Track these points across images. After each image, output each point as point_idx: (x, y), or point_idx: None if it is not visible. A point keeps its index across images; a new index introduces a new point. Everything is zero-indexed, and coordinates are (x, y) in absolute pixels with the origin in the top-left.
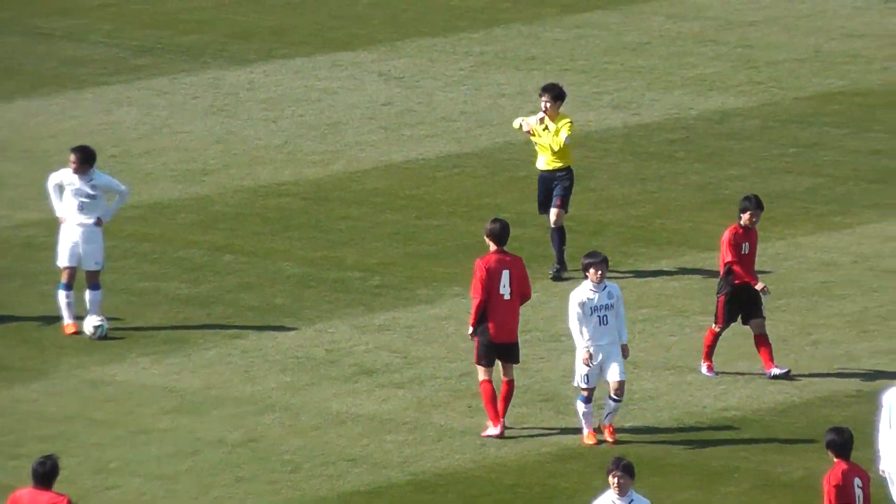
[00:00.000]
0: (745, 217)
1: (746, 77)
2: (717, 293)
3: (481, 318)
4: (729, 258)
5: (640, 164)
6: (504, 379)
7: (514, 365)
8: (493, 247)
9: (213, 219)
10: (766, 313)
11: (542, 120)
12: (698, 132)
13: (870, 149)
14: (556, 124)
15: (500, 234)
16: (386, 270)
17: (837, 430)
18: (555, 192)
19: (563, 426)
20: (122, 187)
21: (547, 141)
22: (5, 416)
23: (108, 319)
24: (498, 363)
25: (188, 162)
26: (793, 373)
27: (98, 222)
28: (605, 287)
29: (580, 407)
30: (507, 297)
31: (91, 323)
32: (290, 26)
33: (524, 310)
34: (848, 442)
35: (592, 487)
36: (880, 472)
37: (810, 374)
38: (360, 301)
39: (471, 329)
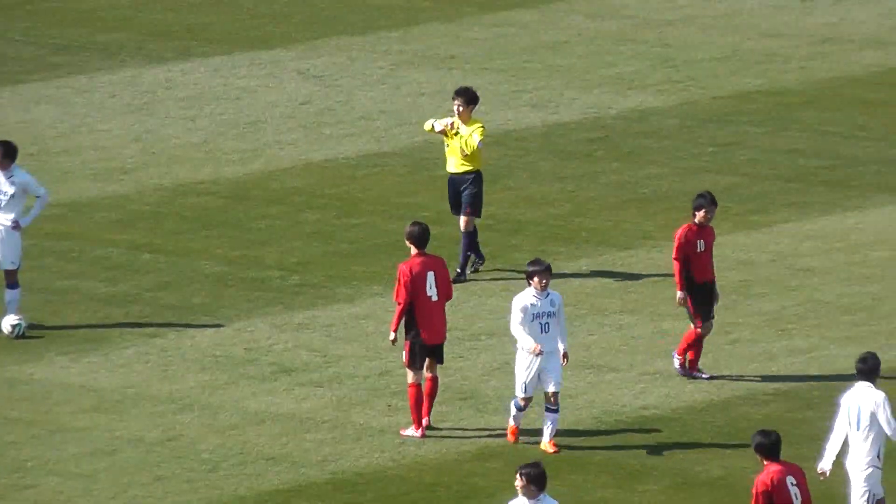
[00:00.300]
0: (700, 215)
1: (665, 76)
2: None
3: (411, 322)
4: (674, 254)
5: (559, 162)
6: (428, 375)
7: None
8: (414, 250)
9: (131, 217)
10: (715, 314)
11: (452, 124)
12: (617, 131)
13: (787, 148)
14: (469, 128)
15: (420, 237)
16: (305, 269)
17: (765, 433)
18: (464, 199)
19: (483, 425)
20: (42, 190)
21: (458, 144)
22: None
23: (28, 323)
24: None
25: (107, 160)
26: (712, 372)
27: (16, 226)
28: (548, 295)
29: (512, 408)
30: (434, 298)
31: (9, 322)
32: (207, 24)
33: None
34: (776, 443)
35: (512, 486)
36: (818, 470)
37: (729, 372)
38: (279, 300)
39: (392, 335)
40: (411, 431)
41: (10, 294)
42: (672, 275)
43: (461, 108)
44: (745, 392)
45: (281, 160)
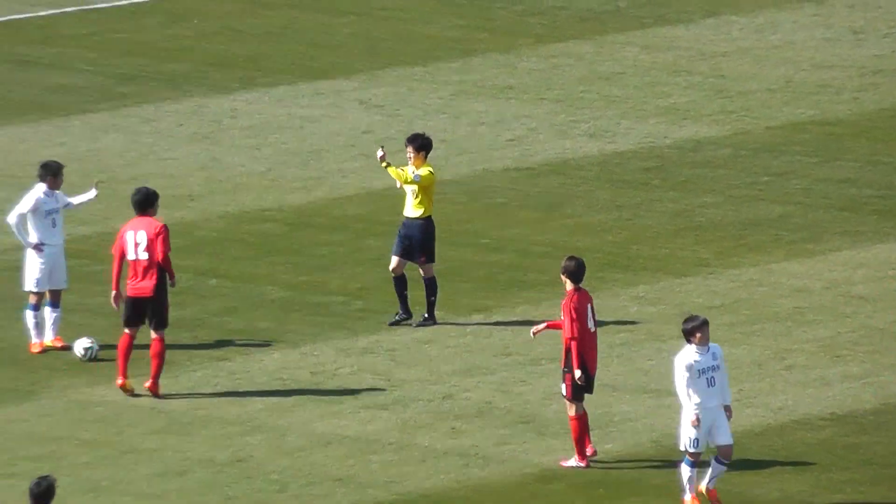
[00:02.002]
0: None
1: (719, 107)
2: None
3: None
4: None
5: (616, 191)
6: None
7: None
8: (570, 285)
9: (197, 244)
10: None
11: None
12: (672, 160)
13: (839, 177)
14: (428, 171)
15: (576, 272)
16: (368, 295)
17: None
18: (416, 247)
19: (544, 448)
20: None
21: (410, 188)
22: None
23: (100, 346)
24: None
25: (173, 188)
26: (768, 397)
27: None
28: (709, 349)
29: (685, 472)
30: (593, 329)
31: (81, 345)
32: (270, 55)
33: (504, 334)
34: None
35: None
36: None
37: (784, 397)
38: (343, 324)
39: (578, 372)
40: (574, 462)
41: (54, 312)
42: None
43: (412, 156)
44: (800, 416)
45: (343, 188)
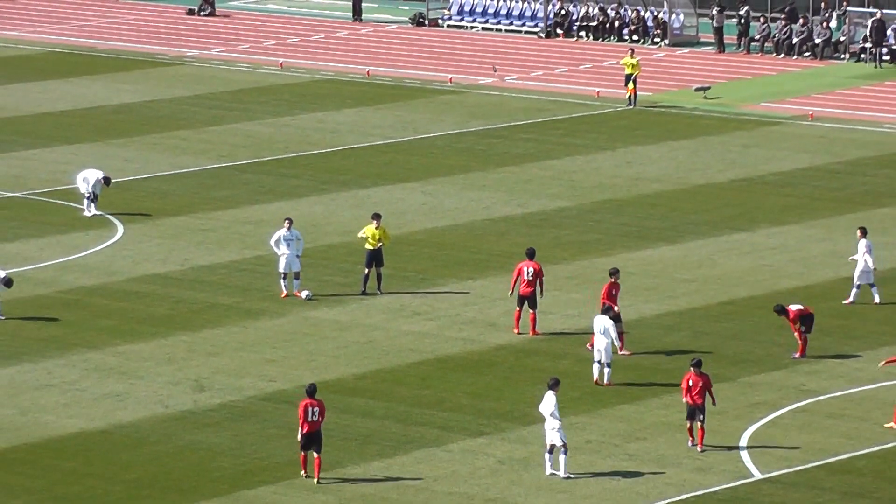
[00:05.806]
0: None
1: (571, 194)
2: None
3: None
4: None
5: (529, 229)
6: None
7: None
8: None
9: (349, 253)
10: None
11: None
12: (553, 217)
13: (622, 222)
14: (379, 230)
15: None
16: (430, 272)
17: None
18: (377, 261)
19: (509, 337)
20: (301, 238)
21: (374, 238)
22: (240, 345)
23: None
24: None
25: (343, 227)
26: (585, 318)
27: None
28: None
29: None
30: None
31: (304, 293)
32: (384, 172)
33: (483, 290)
34: None
35: (542, 369)
36: None
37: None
38: (417, 286)
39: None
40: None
41: (297, 282)
42: None
43: (377, 224)
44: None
45: (413, 227)
